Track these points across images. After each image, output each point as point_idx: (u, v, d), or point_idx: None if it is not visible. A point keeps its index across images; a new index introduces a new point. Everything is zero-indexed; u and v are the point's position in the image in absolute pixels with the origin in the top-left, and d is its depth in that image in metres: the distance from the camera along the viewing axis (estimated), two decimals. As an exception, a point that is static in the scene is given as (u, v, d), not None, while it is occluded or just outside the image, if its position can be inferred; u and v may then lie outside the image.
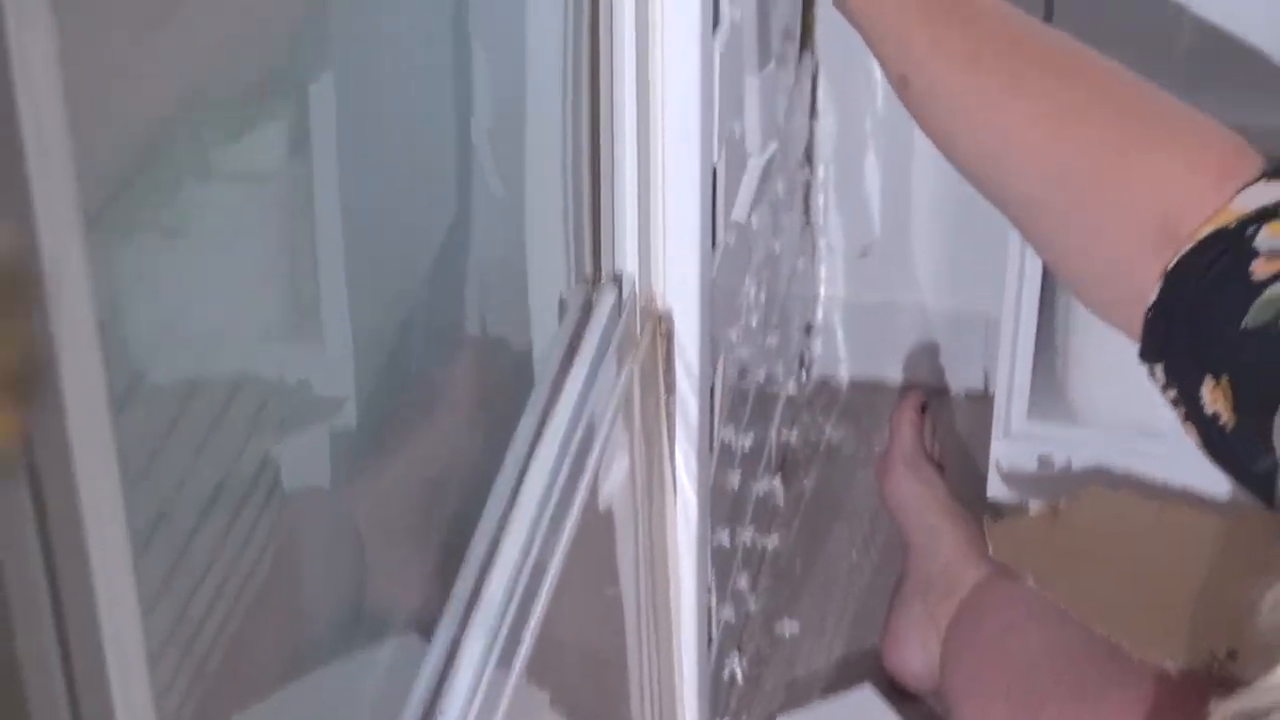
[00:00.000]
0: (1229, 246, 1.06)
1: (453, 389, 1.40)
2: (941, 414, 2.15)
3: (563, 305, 1.46)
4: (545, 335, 1.45)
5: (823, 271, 2.24)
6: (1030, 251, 1.81)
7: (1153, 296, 1.09)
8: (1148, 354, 1.11)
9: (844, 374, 2.28)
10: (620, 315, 1.47)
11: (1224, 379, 1.05)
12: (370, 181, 1.21)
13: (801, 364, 2.21)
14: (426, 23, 1.29)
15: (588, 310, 1.46)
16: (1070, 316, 1.94)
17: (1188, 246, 1.08)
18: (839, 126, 2.17)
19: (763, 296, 1.84)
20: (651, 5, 1.37)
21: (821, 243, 2.23)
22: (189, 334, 1.00)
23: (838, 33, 1.99)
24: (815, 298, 2.25)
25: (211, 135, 1.02)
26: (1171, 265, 1.08)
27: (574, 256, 1.46)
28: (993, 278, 1.96)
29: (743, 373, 1.76)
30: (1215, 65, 1.69)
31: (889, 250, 2.23)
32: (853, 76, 2.13)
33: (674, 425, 1.53)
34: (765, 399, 1.94)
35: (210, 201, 1.02)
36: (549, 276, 1.46)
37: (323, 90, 1.12)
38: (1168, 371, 1.10)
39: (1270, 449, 1.04)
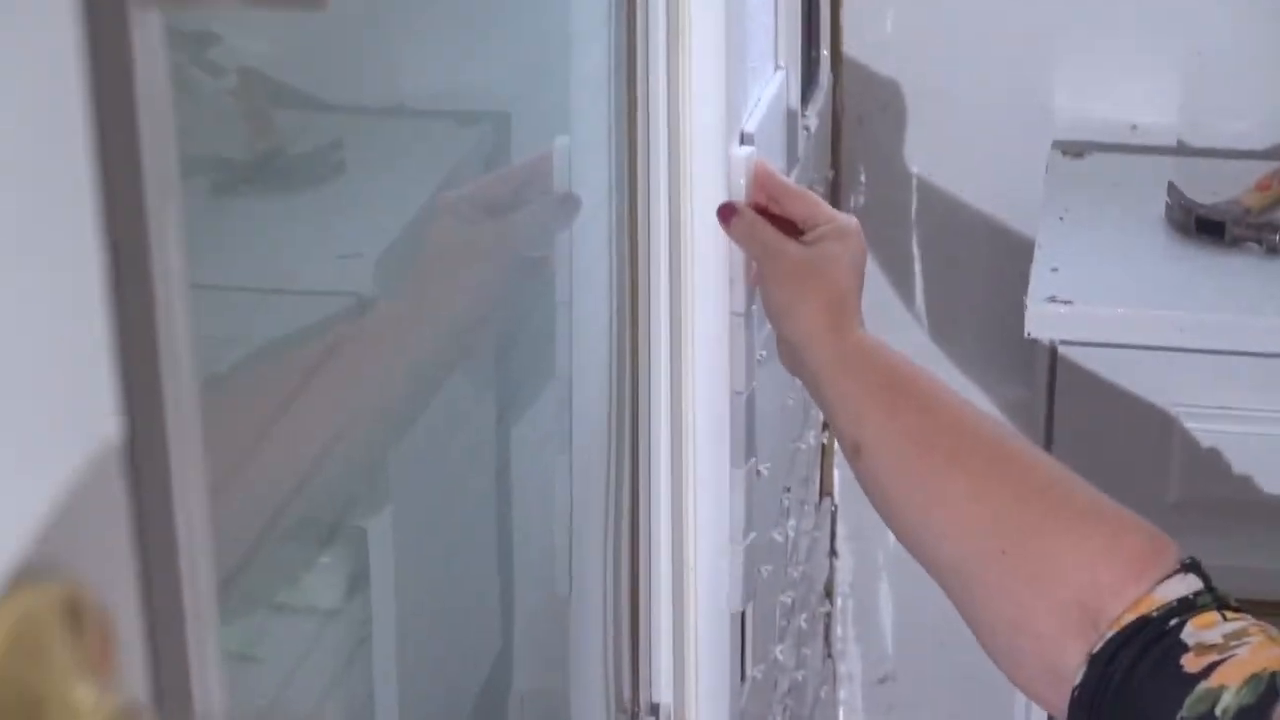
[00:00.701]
0: (1156, 636, 1.11)
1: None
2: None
3: (603, 735, 1.52)
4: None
5: (843, 697, 2.30)
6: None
7: (1078, 678, 1.13)
8: None
9: (865, 798, 2.32)
10: (658, 744, 1.53)
11: None
12: (423, 611, 1.26)
13: (824, 787, 2.25)
14: (472, 462, 1.36)
15: (628, 741, 1.52)
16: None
17: (1111, 632, 1.13)
18: (855, 563, 2.25)
19: (787, 722, 1.89)
20: (686, 445, 1.47)
21: (842, 670, 2.29)
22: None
23: (852, 480, 2.09)
24: (836, 723, 2.31)
25: (279, 573, 1.08)
26: (1097, 649, 1.13)
27: (614, 687, 1.53)
28: (1004, 702, 2.01)
29: (770, 796, 1.80)
30: (1203, 509, 1.78)
31: (905, 678, 2.28)
32: (867, 517, 2.20)
33: None
34: (790, 822, 1.97)
35: (276, 633, 1.08)
36: (591, 707, 1.52)
37: (380, 528, 1.18)
38: None
39: None
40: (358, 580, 1.16)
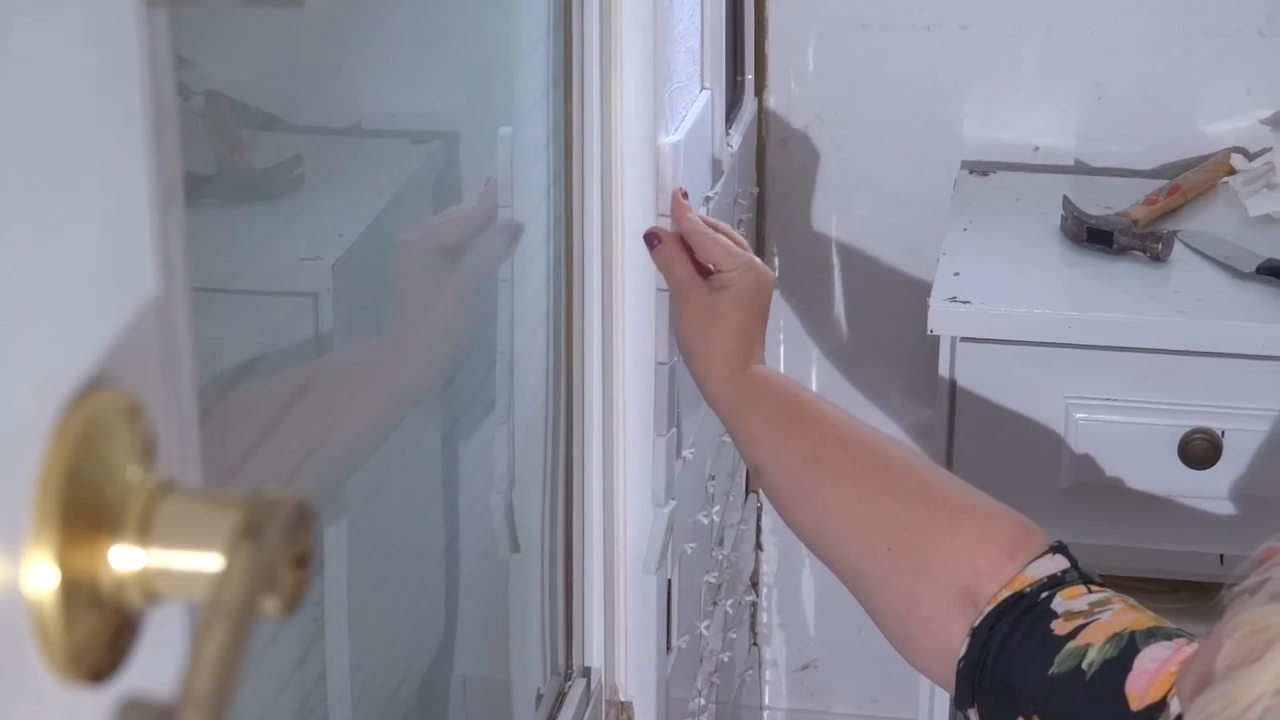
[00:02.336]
0: (1029, 608, 1.21)
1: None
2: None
3: (539, 697, 1.59)
4: (525, 722, 1.57)
5: (768, 678, 2.38)
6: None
7: (962, 650, 1.23)
8: (961, 702, 1.24)
9: (788, 777, 2.40)
10: (588, 704, 1.60)
11: (1035, 719, 1.19)
12: (376, 581, 1.30)
13: (750, 767, 2.32)
14: (423, 438, 1.39)
15: (560, 700, 1.59)
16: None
17: (989, 607, 1.22)
18: (780, 556, 2.33)
19: (714, 700, 1.96)
20: (615, 413, 1.55)
21: (767, 656, 2.37)
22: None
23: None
24: (761, 707, 2.38)
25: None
26: (977, 623, 1.22)
27: (549, 653, 1.60)
28: (911, 689, 2.09)
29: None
30: (1091, 493, 1.85)
31: (825, 665, 2.37)
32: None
33: (633, 806, 1.65)
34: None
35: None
36: (528, 672, 1.59)
37: (336, 535, 1.22)
38: (982, 715, 1.23)
39: None
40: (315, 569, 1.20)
